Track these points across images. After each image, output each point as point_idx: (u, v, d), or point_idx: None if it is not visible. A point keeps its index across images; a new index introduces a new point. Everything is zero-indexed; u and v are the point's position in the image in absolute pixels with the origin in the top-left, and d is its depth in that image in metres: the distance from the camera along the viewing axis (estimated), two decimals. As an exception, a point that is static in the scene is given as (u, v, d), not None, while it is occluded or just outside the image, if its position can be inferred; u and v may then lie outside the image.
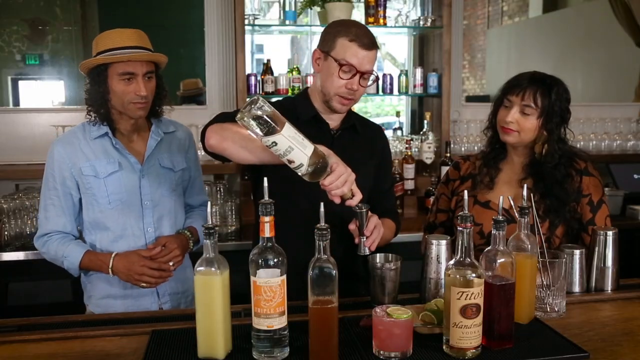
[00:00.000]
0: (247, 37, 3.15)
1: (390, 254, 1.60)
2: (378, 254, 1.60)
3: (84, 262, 1.83)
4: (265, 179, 1.24)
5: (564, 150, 1.78)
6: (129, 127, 1.89)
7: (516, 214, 1.46)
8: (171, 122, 2.02)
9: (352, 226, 1.62)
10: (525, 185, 1.51)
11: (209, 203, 1.30)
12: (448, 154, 3.24)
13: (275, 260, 1.20)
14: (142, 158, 1.90)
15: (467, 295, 1.21)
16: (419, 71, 3.37)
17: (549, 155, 1.75)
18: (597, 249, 1.68)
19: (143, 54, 1.78)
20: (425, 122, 3.36)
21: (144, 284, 1.81)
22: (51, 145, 1.88)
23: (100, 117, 1.84)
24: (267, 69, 3.23)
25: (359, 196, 1.48)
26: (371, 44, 1.70)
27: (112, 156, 1.86)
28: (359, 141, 1.85)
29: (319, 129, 1.78)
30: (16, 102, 4.11)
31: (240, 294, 1.44)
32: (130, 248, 1.86)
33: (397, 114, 3.81)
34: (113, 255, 1.81)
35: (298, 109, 1.80)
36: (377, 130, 1.97)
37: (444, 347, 1.27)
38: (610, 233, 1.67)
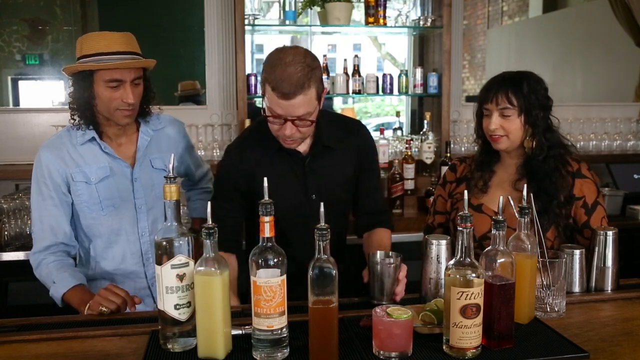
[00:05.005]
0: (247, 37, 3.14)
1: (390, 252, 1.61)
2: (378, 251, 1.61)
3: (68, 296, 1.68)
4: (265, 179, 1.24)
5: (553, 140, 1.77)
6: (116, 130, 1.83)
7: (517, 214, 1.45)
8: (158, 118, 1.93)
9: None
10: (525, 186, 1.50)
11: (209, 203, 1.28)
12: (448, 154, 3.24)
13: (275, 260, 1.20)
14: (133, 161, 1.84)
15: (467, 295, 1.21)
16: (419, 71, 3.37)
17: (538, 147, 1.75)
18: (597, 249, 1.67)
19: (132, 62, 1.70)
20: (425, 122, 3.36)
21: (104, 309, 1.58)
22: (38, 151, 1.79)
23: (86, 121, 1.77)
24: (267, 69, 3.22)
25: None
26: (292, 92, 1.49)
27: (102, 161, 1.80)
28: (333, 157, 1.78)
29: (290, 158, 1.73)
30: (16, 102, 4.11)
31: (240, 293, 1.44)
32: (125, 254, 1.83)
33: (397, 114, 3.80)
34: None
35: (263, 146, 1.72)
36: (352, 134, 1.83)
37: (444, 347, 1.27)
38: (610, 233, 1.67)
